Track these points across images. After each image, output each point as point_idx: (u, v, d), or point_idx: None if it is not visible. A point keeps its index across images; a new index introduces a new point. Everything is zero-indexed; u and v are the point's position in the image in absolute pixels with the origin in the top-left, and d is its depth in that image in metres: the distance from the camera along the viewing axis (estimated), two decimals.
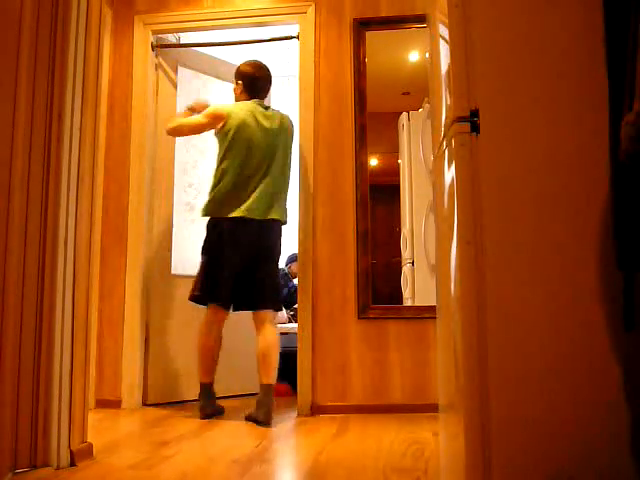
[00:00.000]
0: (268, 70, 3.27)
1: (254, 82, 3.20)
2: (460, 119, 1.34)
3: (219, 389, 3.61)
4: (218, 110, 3.10)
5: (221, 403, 3.12)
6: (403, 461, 2.13)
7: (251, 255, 3.02)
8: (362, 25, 3.36)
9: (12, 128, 2.03)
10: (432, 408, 2.33)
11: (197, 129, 3.19)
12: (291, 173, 3.19)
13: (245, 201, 2.96)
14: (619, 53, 1.18)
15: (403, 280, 3.54)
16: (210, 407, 3.03)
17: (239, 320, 3.78)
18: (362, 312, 3.19)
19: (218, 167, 3.04)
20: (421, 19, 3.06)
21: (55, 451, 2.00)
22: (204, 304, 3.05)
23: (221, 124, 3.05)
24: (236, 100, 3.23)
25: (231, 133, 3.01)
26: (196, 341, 3.04)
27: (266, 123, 3.08)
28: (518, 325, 1.27)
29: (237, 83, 3.23)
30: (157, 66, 3.67)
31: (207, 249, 3.04)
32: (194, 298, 3.07)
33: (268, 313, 3.04)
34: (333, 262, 3.25)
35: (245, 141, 3.02)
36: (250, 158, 3.01)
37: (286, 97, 5.28)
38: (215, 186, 3.01)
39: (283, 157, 3.11)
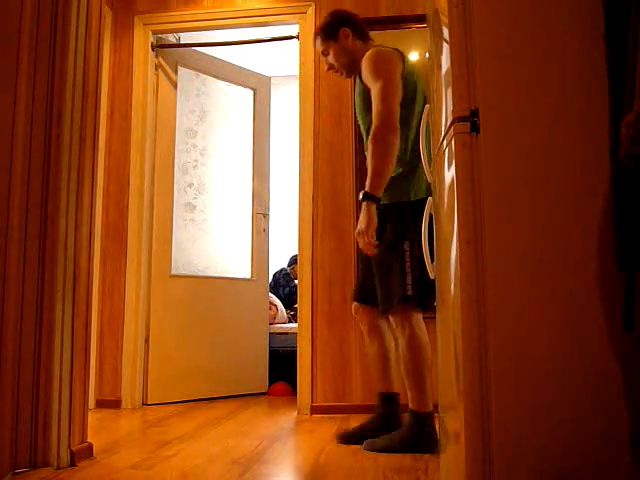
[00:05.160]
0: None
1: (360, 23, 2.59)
2: (460, 119, 1.34)
3: (219, 389, 3.61)
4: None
5: (221, 403, 3.12)
6: (403, 461, 2.13)
7: None
8: None
9: (12, 128, 2.04)
10: None
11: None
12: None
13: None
14: (619, 53, 1.18)
15: None
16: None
17: (240, 319, 3.79)
18: None
19: None
20: (421, 19, 3.06)
21: (55, 451, 2.00)
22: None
23: None
24: (352, 49, 2.53)
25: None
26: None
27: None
28: (518, 325, 1.27)
29: (343, 32, 2.53)
30: (157, 66, 3.67)
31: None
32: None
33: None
34: (333, 262, 3.25)
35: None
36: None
37: (286, 97, 5.29)
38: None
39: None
